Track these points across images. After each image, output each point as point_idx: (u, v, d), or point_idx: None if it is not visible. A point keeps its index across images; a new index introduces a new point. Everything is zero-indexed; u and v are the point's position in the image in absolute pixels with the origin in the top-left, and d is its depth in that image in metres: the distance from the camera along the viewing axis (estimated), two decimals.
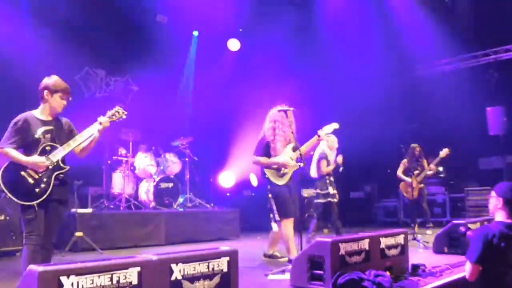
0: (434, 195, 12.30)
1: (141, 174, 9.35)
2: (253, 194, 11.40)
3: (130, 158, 9.25)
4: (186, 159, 9.85)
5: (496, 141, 11.89)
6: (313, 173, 7.76)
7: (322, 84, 12.26)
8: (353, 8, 11.46)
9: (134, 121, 9.04)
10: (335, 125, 6.16)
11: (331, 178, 7.71)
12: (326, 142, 7.70)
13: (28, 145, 4.06)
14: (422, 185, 8.95)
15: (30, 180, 3.96)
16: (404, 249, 4.72)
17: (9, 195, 3.93)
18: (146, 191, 9.25)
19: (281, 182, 5.81)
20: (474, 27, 12.08)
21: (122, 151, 9.26)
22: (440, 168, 13.13)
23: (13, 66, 8.17)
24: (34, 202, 3.94)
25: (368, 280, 3.64)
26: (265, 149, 5.84)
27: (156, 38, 10.81)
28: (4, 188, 3.94)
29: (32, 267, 2.42)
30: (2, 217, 6.84)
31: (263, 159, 5.82)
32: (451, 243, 6.08)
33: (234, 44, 12.25)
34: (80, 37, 9.28)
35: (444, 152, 8.84)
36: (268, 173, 5.85)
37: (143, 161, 9.31)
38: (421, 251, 6.67)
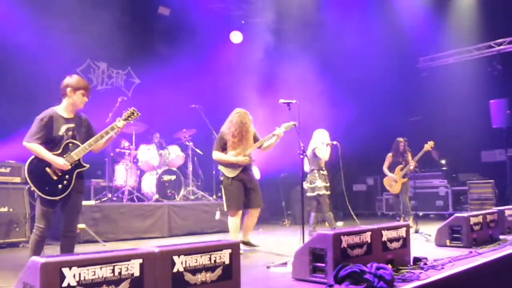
0: (437, 187, 12.30)
1: (144, 166, 9.36)
2: None
3: (133, 151, 9.26)
4: (189, 151, 9.86)
5: (499, 134, 11.87)
6: (306, 167, 7.78)
7: (324, 77, 12.22)
8: (356, 0, 11.41)
9: None
10: (292, 124, 6.26)
11: (322, 172, 7.71)
12: (320, 137, 7.77)
13: (51, 141, 4.26)
14: (405, 180, 8.87)
15: (54, 177, 4.22)
16: (406, 242, 4.72)
17: (35, 189, 4.18)
18: (149, 183, 9.27)
19: (231, 174, 6.20)
20: (477, 20, 12.02)
21: (125, 143, 9.27)
22: (443, 161, 13.13)
23: (15, 58, 8.17)
24: (58, 197, 4.22)
25: (369, 272, 3.65)
26: (222, 145, 6.26)
27: (158, 30, 10.78)
28: (30, 182, 4.18)
29: (35, 258, 2.43)
30: (6, 209, 6.87)
31: (222, 156, 6.23)
32: (453, 236, 6.07)
33: (236, 36, 12.22)
34: (81, 30, 9.27)
35: (428, 145, 8.71)
36: (220, 166, 6.34)
37: (146, 153, 9.31)
38: (423, 244, 6.67)
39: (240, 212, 6.20)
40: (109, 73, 10.86)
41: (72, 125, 4.36)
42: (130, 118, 4.57)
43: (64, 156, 4.25)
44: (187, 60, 10.72)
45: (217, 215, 6.37)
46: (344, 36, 11.72)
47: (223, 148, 6.24)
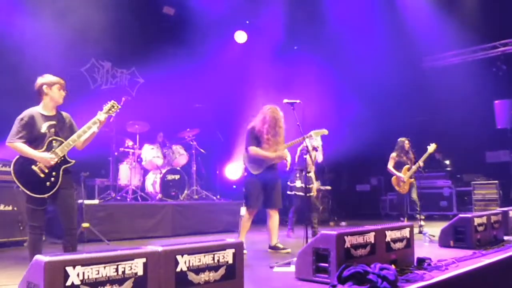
0: (441, 188, 12.27)
1: (147, 165, 9.37)
2: None
3: (137, 150, 9.27)
4: (193, 151, 9.87)
5: (503, 134, 11.83)
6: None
7: (329, 77, 12.22)
8: (361, 0, 11.39)
9: (140, 113, 9.13)
10: (324, 131, 6.44)
11: (308, 174, 7.60)
12: (311, 141, 7.75)
13: (34, 139, 4.28)
14: (412, 180, 8.81)
15: (41, 174, 4.21)
16: (409, 242, 4.71)
17: (22, 188, 4.19)
18: (152, 182, 9.28)
19: (255, 171, 6.08)
20: (482, 19, 11.97)
21: (129, 142, 9.28)
22: (447, 162, 13.09)
23: (20, 58, 8.18)
24: (46, 195, 4.22)
25: (373, 273, 3.64)
26: (256, 140, 6.06)
27: (163, 30, 10.79)
28: (17, 181, 4.19)
29: (39, 257, 2.44)
30: (10, 208, 6.89)
31: (260, 151, 6.02)
32: (457, 236, 6.05)
33: (241, 36, 12.22)
34: (86, 29, 9.29)
35: (432, 147, 8.71)
36: (247, 163, 6.15)
37: (150, 153, 9.32)
38: (427, 244, 6.66)
39: (255, 211, 6.14)
40: (113, 72, 10.88)
41: (53, 122, 4.38)
42: (111, 111, 4.55)
43: (49, 153, 4.27)
44: (191, 60, 10.74)
45: (242, 211, 6.34)
46: (348, 37, 11.70)
47: (257, 144, 6.07)
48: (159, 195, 8.98)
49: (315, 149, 7.58)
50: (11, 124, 4.31)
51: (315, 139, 7.73)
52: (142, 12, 10.42)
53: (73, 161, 4.40)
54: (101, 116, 4.46)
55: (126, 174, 9.04)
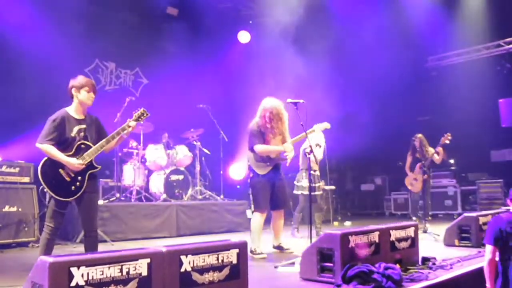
0: (446, 187, 12.24)
1: (151, 166, 9.38)
2: None
3: (141, 150, 9.28)
4: (197, 151, 9.87)
5: (508, 133, 11.79)
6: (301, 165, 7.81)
7: (333, 77, 12.20)
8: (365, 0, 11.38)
9: None
10: (326, 125, 6.31)
11: (313, 172, 7.57)
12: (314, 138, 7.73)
13: (63, 142, 4.28)
14: (426, 176, 8.61)
15: (67, 178, 4.25)
16: (414, 241, 4.70)
17: (48, 191, 4.21)
18: (156, 183, 9.29)
19: (262, 171, 5.91)
20: (486, 18, 11.95)
21: (133, 143, 9.29)
22: (451, 161, 13.05)
23: (24, 59, 8.22)
24: (70, 199, 4.26)
25: (377, 272, 3.63)
26: (261, 137, 5.94)
27: (166, 31, 10.80)
28: (43, 183, 4.21)
29: (43, 257, 2.44)
30: (15, 209, 6.91)
31: (267, 147, 5.90)
32: (462, 235, 6.04)
33: (244, 36, 12.22)
34: (90, 30, 9.31)
35: (445, 138, 8.41)
36: (253, 163, 5.97)
37: (154, 153, 9.33)
38: (432, 243, 6.64)
39: (266, 213, 6.00)
40: (117, 73, 10.90)
41: (83, 126, 4.38)
42: (140, 119, 4.58)
43: (77, 157, 4.28)
44: (194, 60, 10.75)
45: (249, 214, 6.27)
46: (353, 36, 11.68)
47: (263, 141, 5.95)
48: (163, 196, 8.98)
49: (318, 146, 7.59)
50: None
51: (318, 136, 7.73)
52: (146, 12, 10.43)
53: (99, 166, 4.44)
54: (132, 123, 4.47)
55: (130, 175, 9.04)
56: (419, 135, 8.91)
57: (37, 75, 8.34)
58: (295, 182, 7.81)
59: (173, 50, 10.84)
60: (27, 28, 8.29)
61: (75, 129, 4.32)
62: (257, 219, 5.90)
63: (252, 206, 6.09)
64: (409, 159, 8.94)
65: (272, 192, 5.98)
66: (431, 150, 8.71)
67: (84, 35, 9.10)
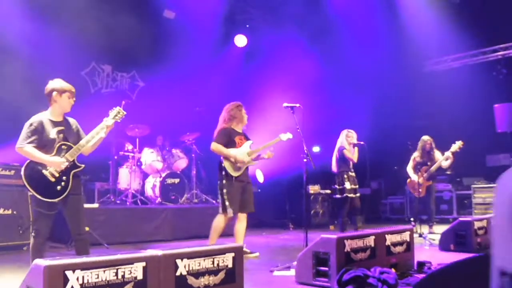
0: (441, 192, 12.26)
1: (147, 169, 9.37)
2: (259, 190, 11.42)
3: (137, 154, 9.27)
4: (193, 154, 9.87)
5: (504, 138, 11.82)
6: (334, 167, 7.78)
7: (329, 81, 12.22)
8: (362, 3, 11.41)
9: (140, 116, 9.13)
10: (289, 135, 6.23)
11: (350, 173, 7.68)
12: (347, 138, 7.76)
13: (44, 145, 4.27)
14: (430, 182, 8.60)
15: (51, 179, 4.21)
16: (409, 246, 4.71)
17: (33, 192, 4.17)
18: (152, 186, 9.27)
19: (235, 174, 5.99)
20: (482, 23, 11.99)
21: (129, 146, 9.28)
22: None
23: (19, 60, 8.19)
24: (57, 199, 4.22)
25: (373, 277, 3.64)
26: (227, 138, 6.05)
27: (163, 34, 10.80)
28: (28, 186, 4.18)
29: (38, 261, 2.44)
30: (10, 212, 6.88)
31: (224, 149, 6.01)
32: (457, 240, 6.06)
33: (241, 40, 12.24)
34: (86, 33, 9.30)
35: (457, 145, 8.39)
36: (226, 163, 6.03)
37: (150, 156, 9.32)
38: (427, 248, 6.65)
39: (233, 216, 5.98)
40: (114, 76, 10.89)
41: (62, 127, 4.38)
42: (117, 117, 4.54)
43: (60, 157, 4.27)
44: (191, 64, 10.74)
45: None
46: (350, 40, 11.71)
47: (229, 143, 6.03)
48: (159, 199, 8.97)
49: (356, 145, 7.71)
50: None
51: (350, 136, 7.80)
52: (143, 15, 10.43)
53: (83, 165, 4.42)
54: (108, 121, 4.45)
55: (126, 178, 9.03)
56: (429, 138, 8.78)
57: (33, 77, 8.32)
58: (336, 186, 7.68)
59: (170, 53, 10.83)
60: (23, 30, 8.27)
61: (54, 130, 4.31)
62: (222, 220, 5.95)
63: (221, 208, 6.00)
64: (414, 161, 8.76)
65: (242, 195, 6.02)
66: (438, 154, 8.64)
67: (80, 38, 9.09)
